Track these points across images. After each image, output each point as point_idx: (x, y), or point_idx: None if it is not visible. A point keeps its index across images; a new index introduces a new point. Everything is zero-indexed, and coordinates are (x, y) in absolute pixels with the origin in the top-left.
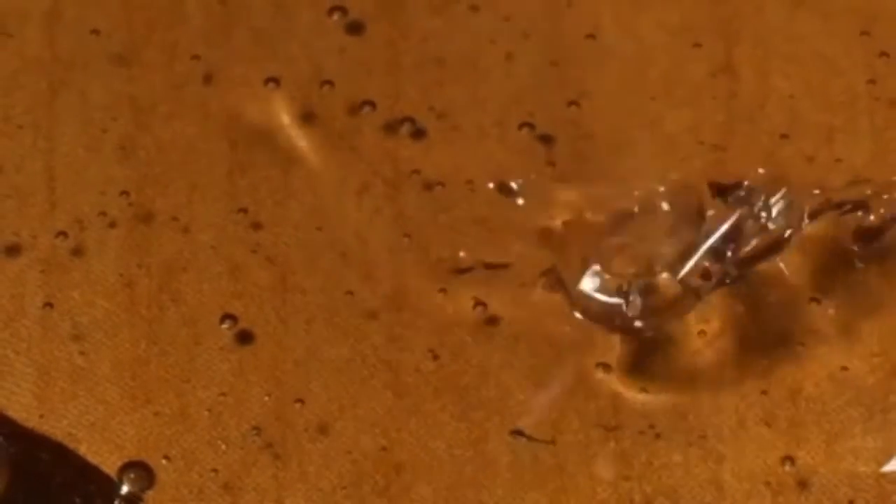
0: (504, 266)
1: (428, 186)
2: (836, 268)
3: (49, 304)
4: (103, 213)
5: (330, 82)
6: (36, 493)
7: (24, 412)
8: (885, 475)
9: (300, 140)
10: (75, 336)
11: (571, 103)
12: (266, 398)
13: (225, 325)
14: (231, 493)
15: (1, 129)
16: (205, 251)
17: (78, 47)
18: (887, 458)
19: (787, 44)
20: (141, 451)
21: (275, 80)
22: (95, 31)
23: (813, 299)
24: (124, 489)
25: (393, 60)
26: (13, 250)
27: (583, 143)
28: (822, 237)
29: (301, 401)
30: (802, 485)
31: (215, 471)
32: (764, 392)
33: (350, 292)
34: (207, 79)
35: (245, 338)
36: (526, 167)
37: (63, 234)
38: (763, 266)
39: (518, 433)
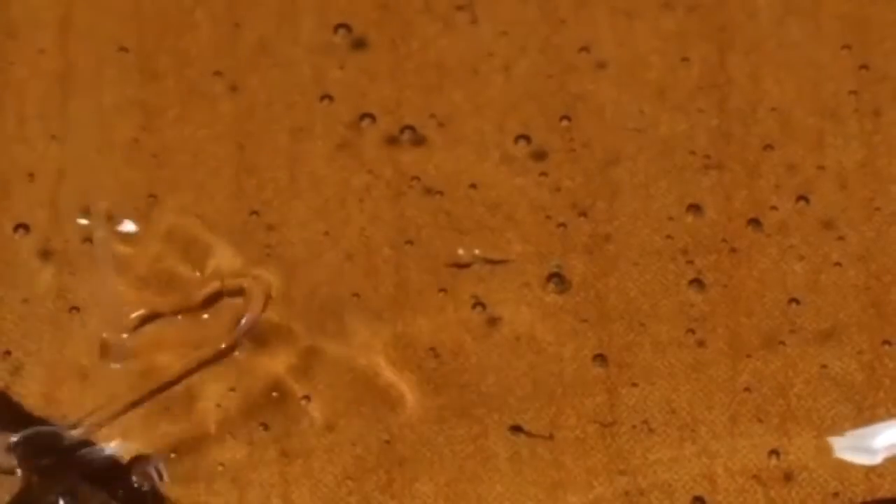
0: (503, 262)
1: (428, 191)
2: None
3: (75, 308)
4: (116, 216)
5: (329, 96)
6: (51, 482)
7: (39, 406)
8: (873, 469)
9: (304, 148)
10: (91, 336)
11: (564, 116)
12: (274, 394)
13: (244, 329)
14: (238, 488)
15: (15, 134)
16: (216, 251)
17: (90, 53)
18: (876, 453)
19: (779, 50)
20: (150, 446)
21: (278, 91)
22: (107, 38)
23: (793, 300)
24: (134, 481)
25: (395, 72)
26: (44, 254)
27: (576, 154)
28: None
29: (307, 398)
30: (793, 479)
31: (223, 465)
32: (754, 389)
33: (356, 294)
34: (215, 85)
35: (254, 336)
36: (520, 177)
37: (78, 235)
38: (742, 271)
39: (517, 429)
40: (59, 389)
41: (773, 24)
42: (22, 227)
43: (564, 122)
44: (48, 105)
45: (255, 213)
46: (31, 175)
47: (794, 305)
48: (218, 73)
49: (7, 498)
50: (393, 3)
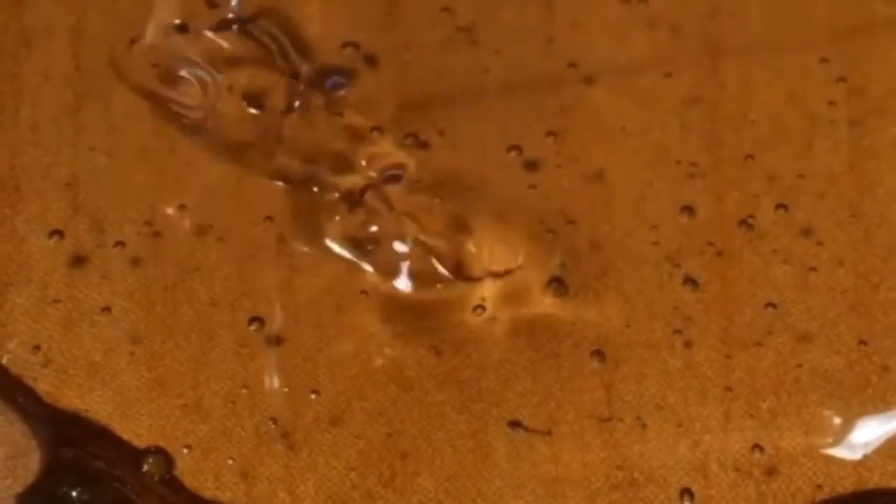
0: (509, 273)
1: (432, 190)
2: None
3: (106, 309)
4: (124, 217)
5: (339, 113)
6: (69, 474)
7: (61, 399)
8: (862, 463)
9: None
10: (119, 336)
11: (550, 132)
12: (285, 389)
13: (253, 327)
14: (246, 482)
15: (28, 139)
16: (223, 253)
17: (101, 60)
18: (865, 447)
19: (770, 56)
20: (162, 440)
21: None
22: (117, 45)
23: (784, 299)
24: (148, 472)
25: (400, 88)
26: (78, 260)
27: (568, 163)
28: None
29: (316, 391)
30: (783, 474)
31: (233, 459)
32: (746, 386)
33: (364, 291)
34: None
35: (268, 335)
36: (516, 185)
37: (87, 236)
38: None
39: (516, 424)
40: (83, 385)
41: (763, 31)
42: (40, 228)
43: (557, 133)
44: (61, 110)
45: (268, 218)
46: (45, 178)
47: (785, 305)
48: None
49: (19, 489)
50: (399, 23)
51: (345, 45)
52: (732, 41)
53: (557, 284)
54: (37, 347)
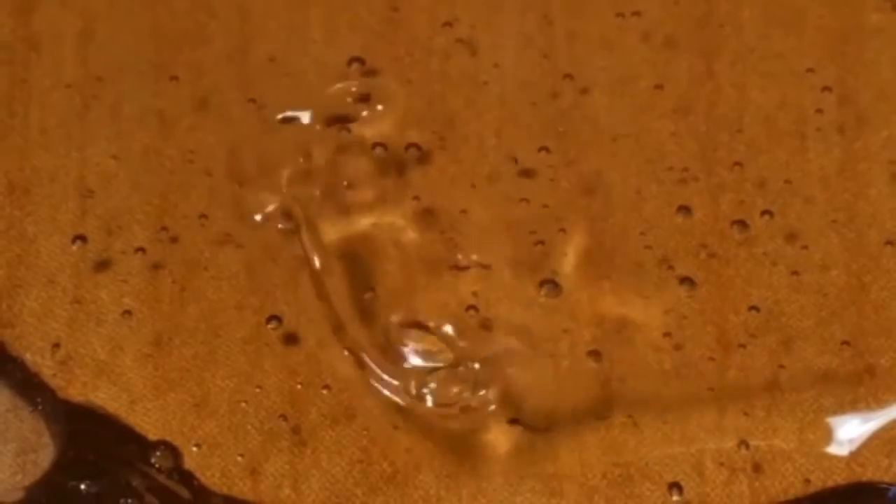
0: (499, 266)
1: (428, 210)
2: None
3: (128, 312)
4: (130, 219)
5: (347, 129)
6: (78, 467)
7: (75, 398)
8: (854, 458)
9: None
10: (139, 338)
11: (542, 148)
12: (298, 386)
13: (271, 326)
14: (253, 478)
15: (37, 141)
16: (234, 254)
17: (109, 65)
18: (856, 443)
19: (762, 63)
20: (171, 436)
21: (289, 120)
22: (125, 50)
23: (763, 304)
24: (157, 466)
25: (403, 99)
26: (93, 263)
27: (562, 175)
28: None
29: (328, 387)
30: (777, 471)
31: (242, 456)
32: (741, 384)
33: (372, 288)
34: (230, 97)
35: (280, 333)
36: (512, 190)
37: (99, 240)
38: (729, 271)
39: (514, 422)
40: (92, 382)
41: (756, 39)
42: (50, 230)
43: (552, 141)
44: (69, 114)
45: (271, 218)
46: (54, 181)
47: (779, 304)
48: (232, 86)
49: (29, 483)
50: (400, 35)
51: (350, 60)
52: (725, 49)
53: (552, 286)
54: (56, 346)
